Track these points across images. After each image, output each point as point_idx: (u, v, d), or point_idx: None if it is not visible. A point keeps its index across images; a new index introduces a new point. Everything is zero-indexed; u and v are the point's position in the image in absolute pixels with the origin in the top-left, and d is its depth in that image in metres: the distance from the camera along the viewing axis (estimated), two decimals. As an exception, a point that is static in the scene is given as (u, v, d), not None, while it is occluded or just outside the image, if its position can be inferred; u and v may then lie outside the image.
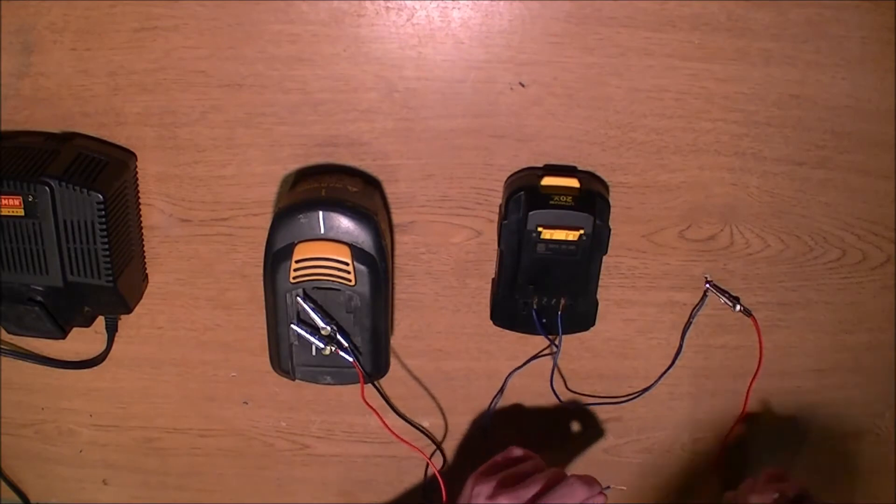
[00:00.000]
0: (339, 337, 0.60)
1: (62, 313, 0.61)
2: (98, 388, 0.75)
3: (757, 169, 0.64)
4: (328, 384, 0.62)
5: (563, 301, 0.64)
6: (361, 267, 0.58)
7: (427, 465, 0.67)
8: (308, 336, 0.59)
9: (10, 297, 0.60)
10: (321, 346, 0.60)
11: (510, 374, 0.72)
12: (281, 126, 0.62)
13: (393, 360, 0.70)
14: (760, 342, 0.69)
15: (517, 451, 0.62)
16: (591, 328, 0.67)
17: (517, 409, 0.76)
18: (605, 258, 0.63)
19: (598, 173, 0.64)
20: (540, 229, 0.60)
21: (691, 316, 0.70)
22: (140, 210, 0.65)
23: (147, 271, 0.68)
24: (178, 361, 0.73)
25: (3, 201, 0.56)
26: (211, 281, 0.69)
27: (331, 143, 0.63)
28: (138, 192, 0.64)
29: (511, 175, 0.64)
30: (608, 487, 0.54)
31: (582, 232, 0.60)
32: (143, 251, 0.66)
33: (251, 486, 0.81)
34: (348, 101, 0.61)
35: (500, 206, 0.64)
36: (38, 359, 0.70)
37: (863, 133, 0.63)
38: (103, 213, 0.57)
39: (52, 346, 0.69)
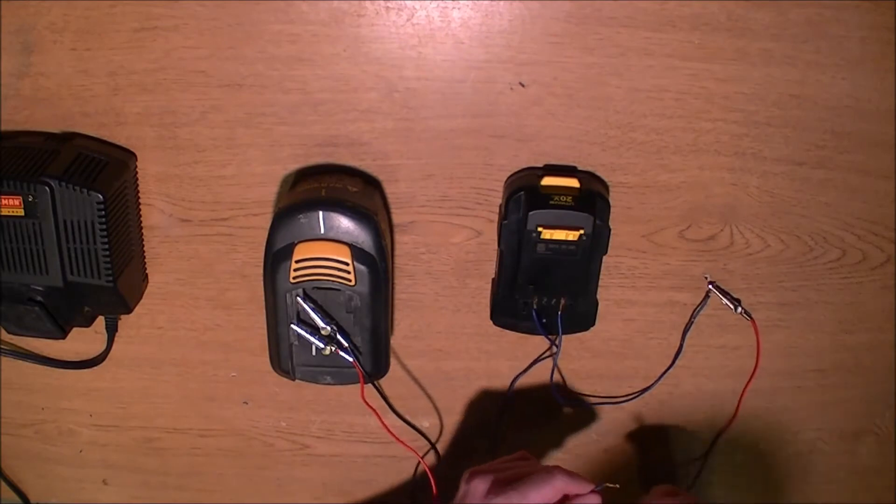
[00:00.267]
0: (339, 337, 0.60)
1: (62, 313, 0.61)
2: (98, 388, 0.75)
3: (757, 169, 0.64)
4: (328, 384, 0.62)
5: (563, 301, 0.64)
6: (361, 267, 0.58)
7: (419, 464, 0.67)
8: (308, 336, 0.59)
9: (10, 297, 0.60)
10: (321, 346, 0.60)
11: (515, 379, 0.72)
12: (281, 126, 0.62)
13: (393, 360, 0.71)
14: (759, 346, 0.68)
15: (523, 454, 0.62)
16: (591, 328, 0.67)
17: (516, 409, 0.76)
18: (605, 258, 0.63)
19: (598, 173, 0.64)
20: (540, 229, 0.60)
21: (692, 316, 0.70)
22: (140, 210, 0.65)
23: (147, 271, 0.68)
24: (178, 361, 0.73)
25: (3, 201, 0.56)
26: (211, 281, 0.69)
27: (331, 143, 0.63)
28: (138, 192, 0.64)
29: (511, 175, 0.64)
30: (601, 486, 0.53)
31: (582, 232, 0.60)
32: (143, 251, 0.66)
33: (251, 486, 0.81)
34: (348, 101, 0.61)
35: (500, 206, 0.64)
36: (38, 359, 0.70)
37: (863, 133, 0.63)
38: (103, 213, 0.57)
39: (52, 346, 0.69)
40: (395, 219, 0.66)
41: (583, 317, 0.66)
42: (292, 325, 0.59)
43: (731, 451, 0.79)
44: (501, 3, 0.57)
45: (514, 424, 0.76)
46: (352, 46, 0.59)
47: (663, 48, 0.59)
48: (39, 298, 0.60)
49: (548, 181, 0.61)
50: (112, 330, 0.69)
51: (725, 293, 0.68)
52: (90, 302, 0.62)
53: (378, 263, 0.58)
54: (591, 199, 0.61)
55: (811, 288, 0.70)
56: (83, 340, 0.69)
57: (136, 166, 0.63)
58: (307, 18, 0.58)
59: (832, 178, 0.65)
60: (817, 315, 0.72)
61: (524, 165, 0.64)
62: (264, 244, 0.59)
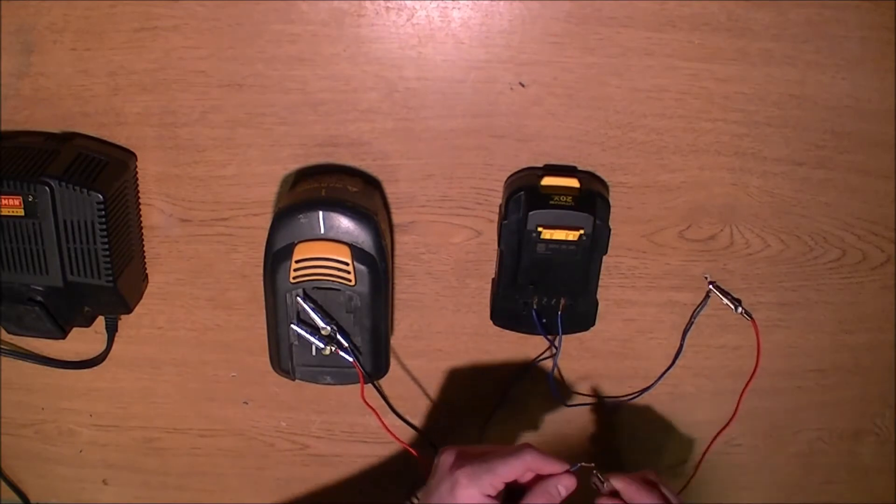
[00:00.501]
0: (339, 337, 0.60)
1: (62, 313, 0.61)
2: (98, 388, 0.75)
3: (757, 169, 0.64)
4: (328, 384, 0.62)
5: (563, 301, 0.64)
6: (361, 267, 0.58)
7: (419, 464, 0.66)
8: (308, 336, 0.59)
9: (10, 297, 0.60)
10: (321, 346, 0.60)
11: (515, 379, 0.72)
12: (281, 126, 0.62)
13: (393, 360, 0.70)
14: (759, 346, 0.68)
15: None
16: (591, 328, 0.67)
17: (516, 410, 0.76)
18: (605, 258, 0.63)
19: (598, 173, 0.64)
20: (540, 229, 0.60)
21: (693, 316, 0.70)
22: (140, 210, 0.65)
23: (147, 271, 0.68)
24: (178, 361, 0.73)
25: (3, 201, 0.56)
26: (211, 281, 0.69)
27: (331, 143, 0.63)
28: (138, 192, 0.64)
29: (511, 175, 0.64)
30: (576, 466, 0.53)
31: (582, 232, 0.60)
32: (143, 251, 0.66)
33: (251, 486, 0.81)
34: (348, 101, 0.61)
35: (500, 206, 0.64)
36: (38, 359, 0.70)
37: (863, 133, 0.63)
38: (103, 213, 0.57)
39: (52, 346, 0.69)
40: (395, 219, 0.66)
41: (583, 317, 0.66)
42: (292, 325, 0.59)
43: (731, 451, 0.79)
44: (501, 3, 0.57)
45: (513, 425, 0.76)
46: (352, 46, 0.59)
47: (663, 48, 0.59)
48: (39, 298, 0.60)
49: (548, 181, 0.61)
50: (112, 330, 0.69)
51: (725, 293, 0.68)
52: (90, 302, 0.62)
53: (378, 263, 0.58)
54: (591, 199, 0.61)
55: (811, 288, 0.70)
56: (83, 340, 0.69)
57: (136, 166, 0.63)
58: (307, 18, 0.58)
59: (832, 178, 0.65)
60: (817, 315, 0.72)
61: (524, 165, 0.64)
62: (264, 244, 0.59)
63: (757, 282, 0.69)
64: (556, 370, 0.72)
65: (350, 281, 0.58)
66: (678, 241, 0.67)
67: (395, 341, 0.71)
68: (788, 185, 0.65)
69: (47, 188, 0.56)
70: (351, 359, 0.60)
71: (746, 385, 0.71)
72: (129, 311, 0.65)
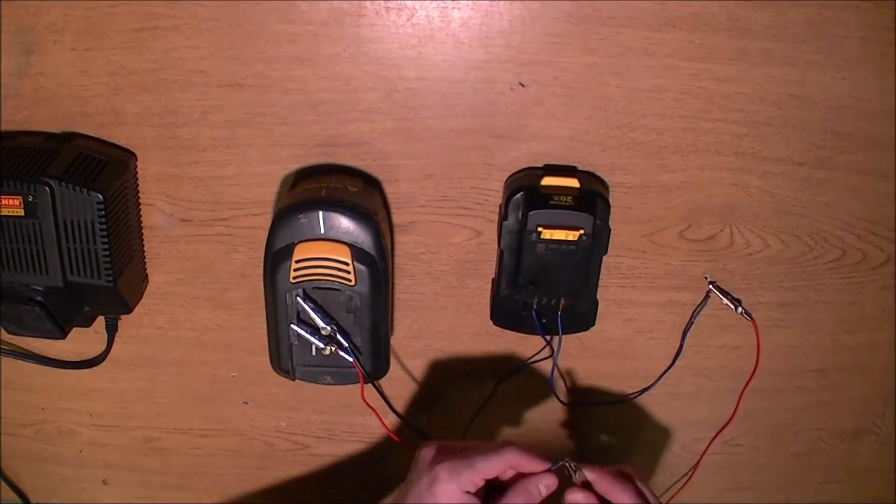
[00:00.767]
0: (339, 337, 0.60)
1: (62, 313, 0.61)
2: (98, 388, 0.75)
3: (757, 169, 0.64)
4: (328, 384, 0.62)
5: (563, 301, 0.64)
6: (361, 267, 0.58)
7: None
8: (308, 336, 0.59)
9: (10, 297, 0.60)
10: (321, 346, 0.60)
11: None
12: (281, 126, 0.62)
13: (393, 360, 0.70)
14: (759, 346, 0.68)
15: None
16: (591, 328, 0.67)
17: (516, 410, 0.76)
18: (605, 258, 0.63)
19: (598, 173, 0.64)
20: (540, 229, 0.60)
21: (693, 316, 0.70)
22: (140, 210, 0.65)
23: (147, 271, 0.68)
24: (178, 361, 0.73)
25: (3, 201, 0.56)
26: (211, 281, 0.69)
27: (331, 143, 0.63)
28: (138, 192, 0.64)
29: (511, 175, 0.64)
30: (557, 465, 0.52)
31: (582, 232, 0.60)
32: (143, 251, 0.66)
33: (251, 486, 0.81)
34: (348, 101, 0.61)
35: (500, 206, 0.64)
36: (38, 359, 0.70)
37: (863, 133, 0.63)
38: (103, 213, 0.57)
39: (52, 346, 0.69)
40: (395, 219, 0.66)
41: (583, 317, 0.66)
42: (292, 325, 0.59)
43: (731, 451, 0.79)
44: (501, 3, 0.57)
45: (513, 424, 0.76)
46: (352, 46, 0.59)
47: (663, 48, 0.59)
48: (39, 298, 0.60)
49: (548, 181, 0.61)
50: (112, 330, 0.69)
51: (725, 293, 0.68)
52: (90, 302, 0.62)
53: (378, 263, 0.58)
54: (591, 199, 0.61)
55: (811, 288, 0.70)
56: (83, 340, 0.69)
57: (136, 166, 0.63)
58: (307, 18, 0.58)
59: (832, 178, 0.65)
60: (817, 315, 0.72)
61: (524, 165, 0.64)
62: (264, 244, 0.59)
63: (757, 282, 0.69)
64: (556, 370, 0.72)
65: (350, 281, 0.58)
66: (678, 241, 0.67)
67: (395, 341, 0.71)
68: (788, 185, 0.65)
69: (47, 188, 0.56)
70: (351, 359, 0.60)
71: (746, 385, 0.71)
72: (129, 311, 0.65)
